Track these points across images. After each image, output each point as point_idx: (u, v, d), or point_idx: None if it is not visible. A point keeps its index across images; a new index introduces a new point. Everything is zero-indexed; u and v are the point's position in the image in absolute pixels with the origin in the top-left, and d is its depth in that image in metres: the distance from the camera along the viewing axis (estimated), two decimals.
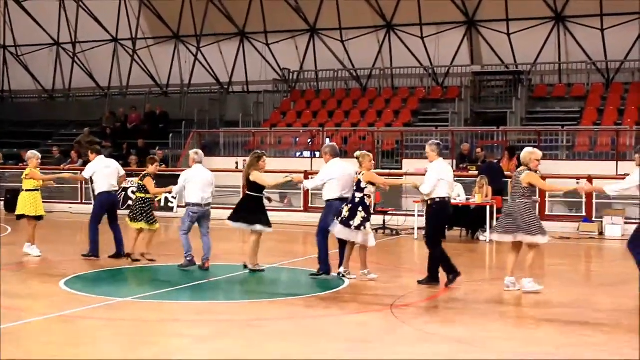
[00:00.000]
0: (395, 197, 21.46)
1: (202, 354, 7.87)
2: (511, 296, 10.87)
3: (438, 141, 12.35)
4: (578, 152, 23.82)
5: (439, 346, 8.25)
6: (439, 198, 11.55)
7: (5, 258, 13.58)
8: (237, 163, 25.07)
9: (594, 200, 19.83)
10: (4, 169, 26.98)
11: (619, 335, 8.80)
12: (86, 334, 8.58)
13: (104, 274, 12.72)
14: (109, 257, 13.85)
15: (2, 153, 29.12)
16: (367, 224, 11.81)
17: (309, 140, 26.16)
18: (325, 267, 12.15)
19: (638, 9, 26.83)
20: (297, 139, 27.22)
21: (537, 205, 19.40)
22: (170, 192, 14.24)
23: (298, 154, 27.02)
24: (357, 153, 12.34)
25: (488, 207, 17.65)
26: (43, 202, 14.51)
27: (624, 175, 20.63)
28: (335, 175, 12.15)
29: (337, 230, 11.85)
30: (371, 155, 12.38)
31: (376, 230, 19.32)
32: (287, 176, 13.19)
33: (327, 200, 12.25)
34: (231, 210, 12.98)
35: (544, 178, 14.35)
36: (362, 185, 11.88)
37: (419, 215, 18.32)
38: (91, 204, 16.70)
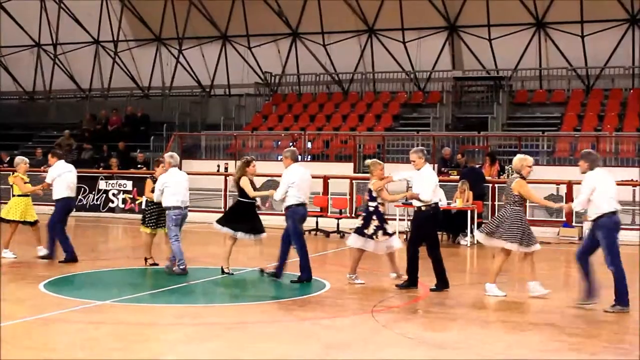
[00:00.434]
0: None
1: (180, 358, 7.83)
2: (492, 301, 10.89)
3: (422, 148, 12.39)
4: (558, 157, 23.96)
5: (418, 350, 8.25)
6: (434, 203, 11.72)
7: None
8: (218, 166, 25.05)
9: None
10: None
11: (598, 339, 8.84)
12: (64, 338, 8.51)
13: (85, 277, 12.64)
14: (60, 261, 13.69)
15: None
16: (380, 232, 11.83)
17: (290, 144, 26.14)
18: (307, 274, 12.14)
19: (618, 16, 27.07)
20: (279, 143, 27.20)
21: None
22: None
23: (279, 157, 26.92)
24: (368, 161, 12.36)
25: (469, 212, 17.72)
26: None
27: None
28: (295, 180, 12.13)
29: (352, 239, 12.00)
30: (382, 164, 12.28)
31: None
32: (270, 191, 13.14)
33: (289, 207, 12.15)
34: (213, 214, 12.96)
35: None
36: (374, 194, 11.89)
37: (400, 220, 18.41)
38: None
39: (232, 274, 12.73)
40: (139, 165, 25.53)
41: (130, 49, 33.99)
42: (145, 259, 13.57)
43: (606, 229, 10.21)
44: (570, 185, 19.45)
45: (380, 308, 10.29)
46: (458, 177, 19.79)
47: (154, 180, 13.25)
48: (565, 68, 28.12)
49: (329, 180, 22.07)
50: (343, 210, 20.61)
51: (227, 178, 23.31)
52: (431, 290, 11.56)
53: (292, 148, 12.93)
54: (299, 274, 12.14)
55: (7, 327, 8.75)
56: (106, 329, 8.94)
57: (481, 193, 19.25)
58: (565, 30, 27.98)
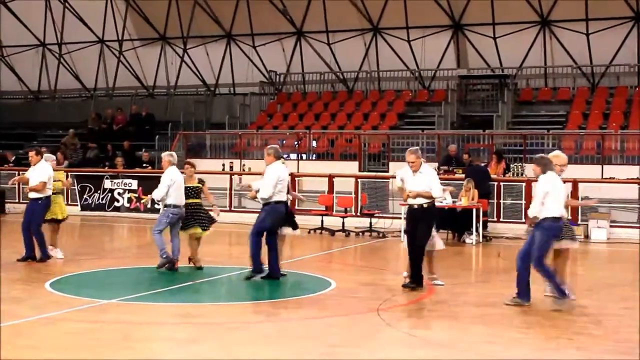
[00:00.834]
0: (381, 199, 21.51)
1: (182, 358, 7.83)
2: (497, 300, 10.85)
3: (417, 147, 12.35)
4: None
5: (422, 349, 8.24)
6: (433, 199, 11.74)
7: None
8: (223, 165, 25.07)
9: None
10: None
11: (603, 339, 8.81)
12: (68, 337, 8.51)
13: (90, 276, 12.66)
14: (18, 260, 13.62)
15: None
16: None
17: (295, 143, 26.14)
18: (257, 267, 12.13)
19: (623, 14, 26.99)
20: (284, 142, 27.17)
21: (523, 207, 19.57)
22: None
23: (284, 156, 26.93)
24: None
25: (474, 210, 17.70)
26: None
27: (610, 178, 20.90)
28: (282, 177, 12.14)
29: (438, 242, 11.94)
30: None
31: (362, 232, 19.43)
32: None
33: (268, 203, 12.14)
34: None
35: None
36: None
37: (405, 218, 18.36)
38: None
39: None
40: (144, 165, 25.56)
41: (135, 48, 33.98)
42: (189, 259, 13.42)
43: (546, 231, 10.25)
44: (575, 183, 19.41)
45: (386, 307, 10.28)
46: (463, 175, 19.75)
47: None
48: (570, 66, 28.03)
49: (334, 179, 22.06)
50: (348, 209, 20.60)
51: (232, 177, 23.35)
52: (404, 286, 11.44)
53: (275, 146, 12.90)
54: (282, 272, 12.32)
55: (11, 327, 8.76)
56: (110, 329, 8.94)
57: (486, 191, 19.20)
58: (570, 28, 27.90)
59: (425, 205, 11.53)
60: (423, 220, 11.58)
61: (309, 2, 30.45)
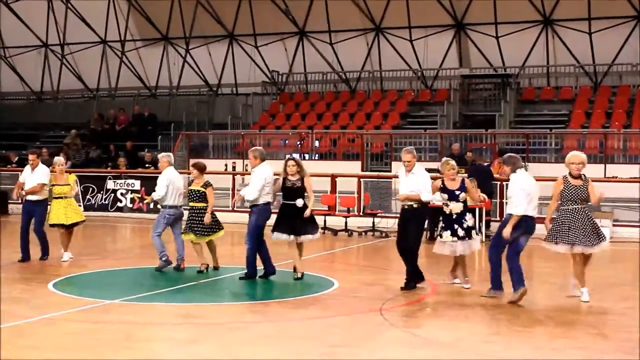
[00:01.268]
0: (384, 199, 21.51)
1: (182, 358, 7.83)
2: (497, 300, 10.83)
3: (412, 147, 12.33)
4: (566, 154, 23.79)
5: (424, 349, 8.23)
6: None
7: None
8: (225, 165, 25.07)
9: None
10: None
11: (604, 338, 8.81)
12: (69, 338, 8.51)
13: (93, 276, 12.68)
14: (19, 261, 13.65)
15: None
16: (445, 233, 11.72)
17: (298, 143, 26.14)
18: (252, 271, 12.15)
19: (626, 13, 26.97)
20: (286, 142, 27.20)
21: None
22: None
23: (287, 156, 26.93)
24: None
25: (477, 210, 17.67)
26: None
27: (612, 177, 20.86)
28: (269, 180, 12.17)
29: (436, 247, 11.92)
30: (452, 164, 11.94)
31: (365, 232, 19.42)
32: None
33: (256, 205, 12.13)
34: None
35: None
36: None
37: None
38: None
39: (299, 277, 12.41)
40: (146, 165, 25.56)
41: (137, 49, 34.02)
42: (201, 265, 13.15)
43: (517, 228, 10.43)
44: None
45: (388, 306, 10.28)
46: (466, 174, 19.70)
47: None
48: (572, 65, 28.02)
49: (336, 179, 22.05)
50: (351, 209, 20.59)
51: (235, 177, 23.35)
52: (402, 289, 11.35)
53: (259, 147, 12.91)
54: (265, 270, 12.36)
55: (13, 327, 8.77)
56: (112, 329, 8.95)
57: (489, 191, 19.18)
58: (573, 28, 27.89)
59: (415, 206, 11.44)
60: (413, 220, 11.49)
61: (311, 2, 30.47)
